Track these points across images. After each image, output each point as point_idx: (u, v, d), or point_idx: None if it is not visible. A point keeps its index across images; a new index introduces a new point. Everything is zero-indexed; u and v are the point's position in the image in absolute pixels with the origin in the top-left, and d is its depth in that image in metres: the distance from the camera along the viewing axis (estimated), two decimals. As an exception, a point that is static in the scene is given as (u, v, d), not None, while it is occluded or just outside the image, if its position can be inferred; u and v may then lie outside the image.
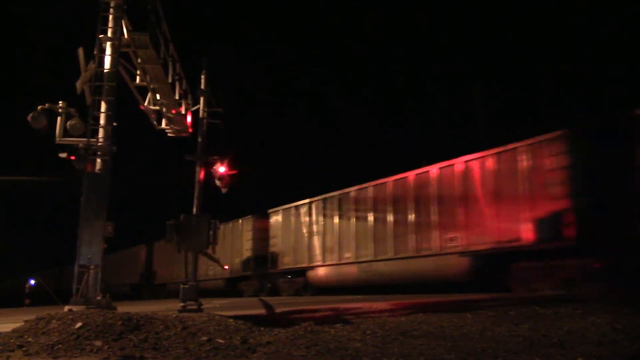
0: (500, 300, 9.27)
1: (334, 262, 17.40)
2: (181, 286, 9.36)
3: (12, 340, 5.51)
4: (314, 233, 18.62)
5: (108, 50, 8.10)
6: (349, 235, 16.79)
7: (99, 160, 7.76)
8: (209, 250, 9.92)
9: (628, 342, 5.24)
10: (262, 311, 10.71)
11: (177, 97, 10.64)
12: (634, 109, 10.62)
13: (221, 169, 10.64)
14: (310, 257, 18.52)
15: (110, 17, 8.13)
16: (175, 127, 11.18)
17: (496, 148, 12.75)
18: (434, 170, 14.22)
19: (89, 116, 7.84)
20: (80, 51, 8.21)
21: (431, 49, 57.02)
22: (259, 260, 21.24)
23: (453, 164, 13.71)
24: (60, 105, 8.13)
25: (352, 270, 16.66)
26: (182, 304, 9.19)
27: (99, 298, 7.32)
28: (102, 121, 7.89)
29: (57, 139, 8.11)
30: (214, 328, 6.43)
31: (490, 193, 12.70)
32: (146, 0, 8.61)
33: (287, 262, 19.86)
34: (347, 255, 16.86)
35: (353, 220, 16.74)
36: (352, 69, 66.57)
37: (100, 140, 7.83)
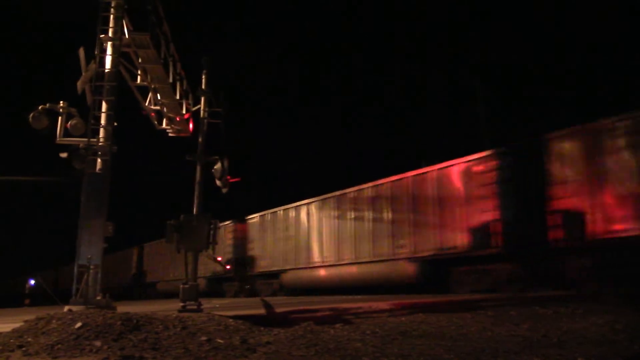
0: (500, 301, 9.27)
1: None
2: (181, 286, 9.36)
3: (11, 340, 5.50)
4: None
5: (109, 50, 8.10)
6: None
7: (99, 160, 7.76)
8: (209, 250, 9.90)
9: (628, 342, 5.24)
10: (261, 311, 10.71)
11: (177, 97, 10.64)
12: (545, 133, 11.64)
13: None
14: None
15: (111, 17, 8.12)
16: (176, 127, 11.20)
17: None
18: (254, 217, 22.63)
19: (89, 116, 7.84)
20: (81, 51, 8.22)
21: (431, 48, 57.03)
22: (140, 275, 31.31)
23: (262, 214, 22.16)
24: (61, 105, 8.13)
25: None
26: (182, 304, 9.17)
27: (98, 298, 7.33)
28: (102, 121, 7.89)
29: (58, 139, 8.12)
30: (213, 328, 6.42)
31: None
32: (146, 0, 8.62)
33: (152, 277, 29.38)
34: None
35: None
36: (351, 68, 66.62)
37: (101, 140, 7.83)
